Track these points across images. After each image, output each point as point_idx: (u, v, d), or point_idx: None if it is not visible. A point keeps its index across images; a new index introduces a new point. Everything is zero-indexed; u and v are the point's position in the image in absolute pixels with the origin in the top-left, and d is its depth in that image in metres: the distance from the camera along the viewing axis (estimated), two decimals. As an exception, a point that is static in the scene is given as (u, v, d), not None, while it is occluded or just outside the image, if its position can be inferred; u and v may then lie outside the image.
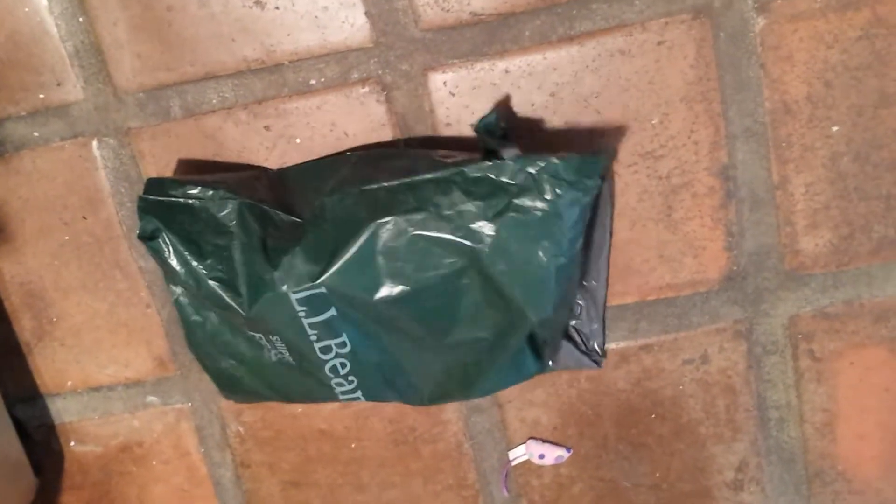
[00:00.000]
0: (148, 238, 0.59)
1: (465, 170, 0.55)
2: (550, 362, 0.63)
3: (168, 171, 0.67)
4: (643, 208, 0.64)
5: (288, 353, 0.61)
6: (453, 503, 0.74)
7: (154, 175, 0.67)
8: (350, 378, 0.62)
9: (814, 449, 0.70)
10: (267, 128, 0.65)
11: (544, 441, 0.71)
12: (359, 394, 0.63)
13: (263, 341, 0.62)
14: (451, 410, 0.71)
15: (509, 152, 0.56)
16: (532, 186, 0.53)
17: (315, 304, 0.58)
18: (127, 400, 0.74)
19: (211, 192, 0.59)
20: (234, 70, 0.64)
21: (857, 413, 0.68)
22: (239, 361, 0.64)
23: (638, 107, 0.62)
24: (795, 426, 0.69)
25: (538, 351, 0.61)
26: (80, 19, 0.64)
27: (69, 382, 0.74)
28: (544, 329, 0.59)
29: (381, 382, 0.62)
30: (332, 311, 0.58)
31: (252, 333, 0.62)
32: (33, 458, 0.74)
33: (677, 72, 0.61)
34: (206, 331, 0.63)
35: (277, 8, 0.62)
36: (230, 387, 0.66)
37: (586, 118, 0.62)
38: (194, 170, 0.66)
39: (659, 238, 0.65)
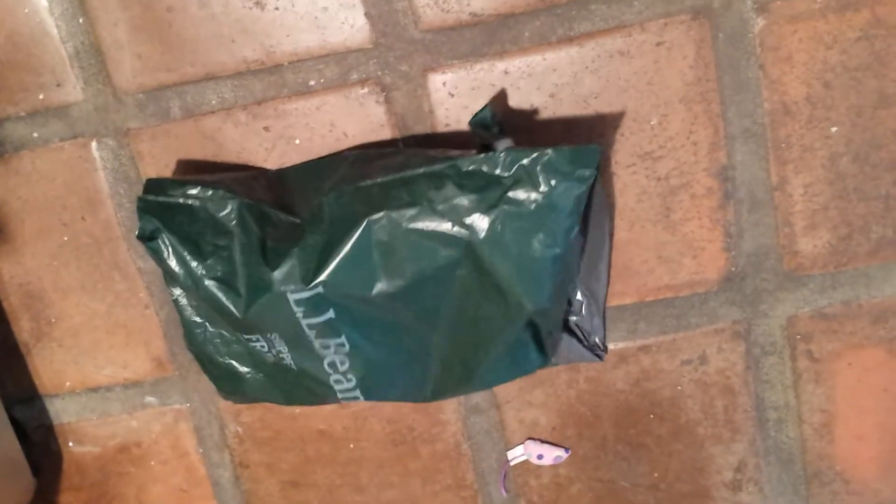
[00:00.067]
0: (147, 238, 0.59)
1: (458, 163, 0.55)
2: (553, 358, 0.63)
3: (167, 172, 0.67)
4: (642, 209, 0.64)
5: (287, 353, 0.61)
6: (452, 503, 0.74)
7: (153, 176, 0.67)
8: (349, 376, 0.62)
9: (812, 449, 0.70)
10: (266, 128, 0.65)
11: (543, 441, 0.71)
12: (357, 392, 0.63)
13: (262, 343, 0.62)
14: (450, 411, 0.71)
15: (503, 145, 0.56)
16: (525, 178, 0.53)
17: (313, 305, 0.58)
18: (125, 400, 0.74)
19: (210, 193, 0.59)
20: (233, 71, 0.64)
21: (855, 414, 0.68)
22: (238, 362, 0.64)
23: (637, 107, 0.62)
24: (794, 427, 0.69)
25: (541, 344, 0.61)
26: (81, 20, 0.64)
27: (67, 383, 0.74)
28: (545, 320, 0.59)
29: (380, 380, 0.62)
30: (331, 313, 0.58)
31: (249, 337, 0.61)
32: (32, 459, 0.74)
33: (676, 73, 0.61)
34: (205, 331, 0.63)
35: (277, 9, 0.62)
36: (229, 387, 0.66)
37: (585, 119, 0.63)
38: (193, 170, 0.66)
39: (657, 239, 0.65)
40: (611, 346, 0.68)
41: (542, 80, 0.62)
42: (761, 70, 0.61)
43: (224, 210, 0.59)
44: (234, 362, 0.64)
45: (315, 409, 0.72)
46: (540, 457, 0.71)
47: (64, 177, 0.68)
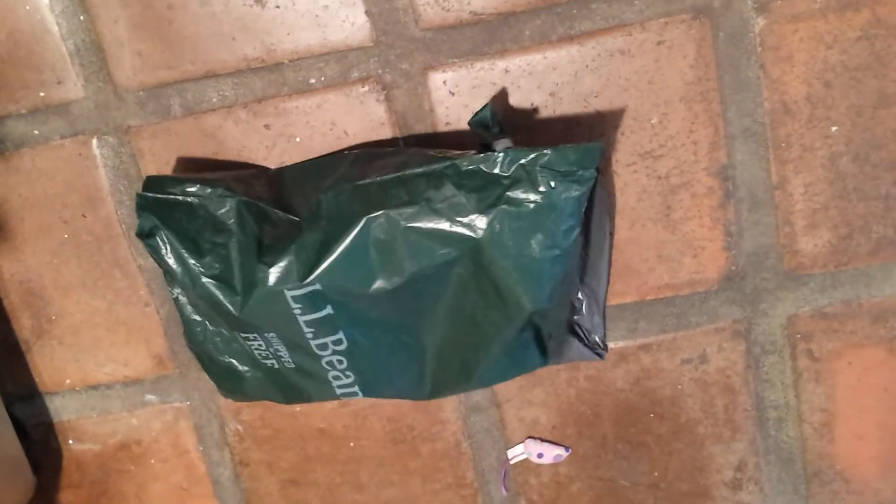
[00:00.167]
0: (146, 236, 0.59)
1: (457, 163, 0.54)
2: (558, 360, 0.63)
3: (168, 170, 0.67)
4: (642, 208, 0.64)
5: (285, 352, 0.61)
6: (452, 502, 0.74)
7: (154, 173, 0.67)
8: (347, 373, 0.62)
9: (812, 449, 0.70)
10: (267, 126, 0.65)
11: (543, 440, 0.71)
12: (356, 388, 0.63)
13: (259, 342, 0.62)
14: (450, 410, 0.71)
15: (502, 144, 0.56)
16: (524, 178, 0.53)
17: (310, 302, 0.58)
18: (125, 398, 0.74)
19: (209, 190, 0.59)
20: (234, 69, 0.64)
21: (855, 413, 0.68)
22: (238, 361, 0.64)
23: (637, 106, 0.62)
24: (794, 426, 0.69)
25: (543, 346, 0.61)
26: (81, 17, 0.64)
27: (68, 381, 0.74)
28: (547, 322, 0.59)
29: (379, 377, 0.62)
30: (329, 310, 0.58)
31: (246, 336, 0.61)
32: (32, 457, 0.74)
33: (677, 72, 0.61)
34: (205, 330, 0.64)
35: (278, 7, 0.62)
36: (229, 385, 0.66)
37: (586, 118, 0.63)
38: (194, 168, 0.66)
39: (658, 238, 0.65)
40: (611, 345, 0.68)
41: (542, 78, 0.62)
42: (762, 69, 0.61)
43: (223, 208, 0.59)
44: (234, 361, 0.64)
45: (315, 407, 0.72)
46: (540, 455, 0.71)
47: (64, 174, 0.68)
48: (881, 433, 0.69)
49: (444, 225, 0.55)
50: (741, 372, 0.68)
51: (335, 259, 0.56)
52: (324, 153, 0.65)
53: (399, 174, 0.56)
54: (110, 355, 0.73)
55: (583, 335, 0.64)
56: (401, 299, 0.57)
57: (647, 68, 0.61)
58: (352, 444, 0.73)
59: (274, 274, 0.57)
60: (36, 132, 0.67)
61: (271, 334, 0.60)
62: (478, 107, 0.63)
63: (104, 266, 0.70)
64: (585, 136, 0.63)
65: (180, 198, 0.60)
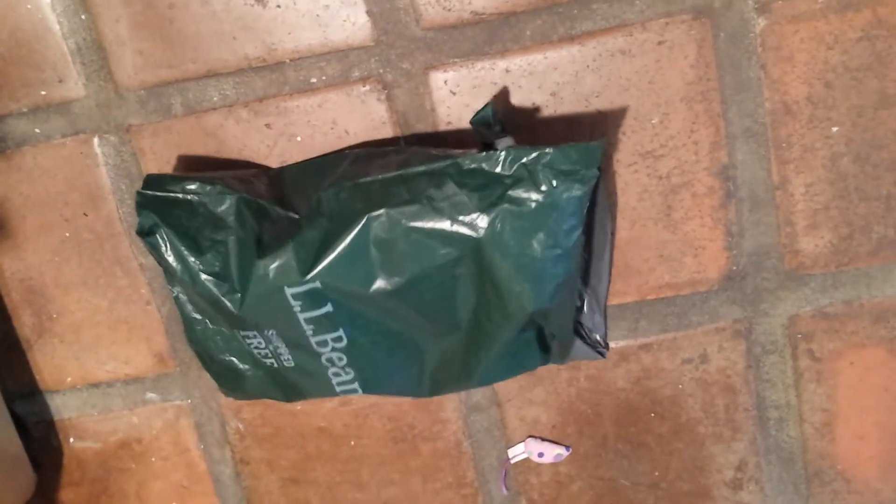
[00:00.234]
0: (146, 234, 0.59)
1: (459, 161, 0.54)
2: (563, 361, 0.63)
3: (168, 169, 0.67)
4: (643, 208, 0.64)
5: (284, 349, 0.61)
6: (452, 501, 0.74)
7: (154, 172, 0.67)
8: (347, 370, 0.62)
9: (813, 449, 0.70)
10: (268, 126, 0.65)
11: (543, 439, 0.71)
12: (356, 385, 0.63)
13: (259, 339, 0.62)
14: (451, 409, 0.71)
15: (504, 143, 0.56)
16: (526, 177, 0.53)
17: (310, 299, 0.58)
18: (126, 396, 0.74)
19: (209, 188, 0.59)
20: (235, 68, 0.64)
21: (856, 413, 0.68)
22: (238, 359, 0.65)
23: (638, 106, 0.62)
24: (795, 426, 0.69)
25: (544, 345, 0.61)
26: (83, 16, 0.64)
27: (69, 379, 0.74)
28: (549, 322, 0.59)
29: (378, 375, 0.62)
30: (329, 307, 0.58)
31: (245, 334, 0.62)
32: (32, 455, 0.74)
33: (677, 72, 0.61)
34: (205, 328, 0.64)
35: (279, 6, 0.62)
36: (230, 384, 0.66)
37: (587, 118, 0.63)
38: (195, 167, 0.67)
39: (658, 237, 0.65)
40: (612, 345, 0.68)
41: (543, 78, 0.62)
42: (762, 70, 0.61)
43: (222, 205, 0.59)
44: (234, 359, 0.65)
45: (316, 406, 0.72)
46: (540, 455, 0.71)
47: (66, 173, 0.68)
48: (882, 433, 0.69)
49: (446, 224, 0.55)
50: (742, 372, 0.68)
51: (335, 257, 0.56)
52: (324, 153, 0.65)
53: (400, 172, 0.56)
54: (111, 353, 0.73)
55: (584, 334, 0.64)
56: (401, 299, 0.57)
57: (647, 68, 0.61)
58: (352, 442, 0.73)
59: (273, 271, 0.57)
60: (37, 131, 0.67)
61: (271, 331, 0.60)
62: (479, 106, 0.63)
63: (105, 264, 0.70)
64: (586, 137, 0.63)
65: (180, 195, 0.60)
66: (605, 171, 0.63)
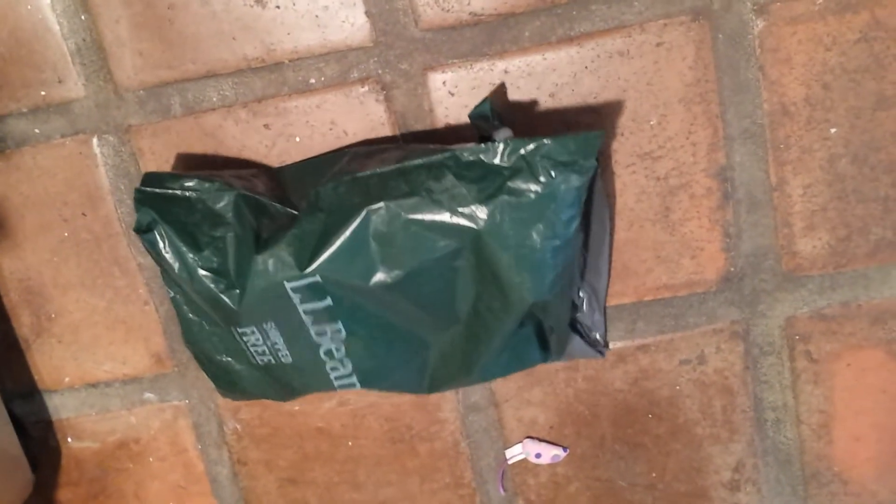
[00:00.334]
0: (144, 230, 0.59)
1: (458, 154, 0.54)
2: (560, 357, 0.63)
3: (167, 168, 0.67)
4: (641, 209, 0.64)
5: (282, 344, 0.61)
6: (450, 502, 0.74)
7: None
8: (345, 362, 0.62)
9: (810, 450, 0.70)
10: (266, 126, 0.65)
11: (541, 440, 0.71)
12: (354, 379, 0.63)
13: (256, 335, 0.61)
14: (448, 409, 0.71)
15: (502, 135, 0.56)
16: (525, 168, 0.53)
17: (310, 293, 0.58)
18: (124, 397, 0.74)
19: (207, 185, 0.59)
20: (234, 68, 0.64)
21: (853, 415, 0.68)
22: (235, 359, 0.65)
23: (636, 108, 0.62)
24: (792, 427, 0.69)
25: (544, 341, 0.61)
26: (82, 17, 0.64)
27: (67, 378, 0.74)
28: (547, 315, 0.59)
29: (377, 369, 0.62)
30: (328, 301, 0.58)
31: (243, 331, 0.61)
32: (30, 454, 0.74)
33: (676, 73, 0.61)
34: (202, 328, 0.64)
35: (278, 7, 0.62)
36: (227, 384, 0.66)
37: (585, 119, 0.63)
38: (194, 167, 0.67)
39: (656, 239, 0.65)
40: (609, 346, 0.68)
41: (541, 79, 0.62)
42: (760, 71, 0.61)
43: (221, 202, 0.59)
44: (231, 360, 0.65)
45: (314, 406, 0.72)
46: (538, 455, 0.71)
47: (65, 173, 0.68)
48: (879, 435, 0.69)
49: (445, 216, 0.55)
50: (739, 373, 0.68)
51: (335, 251, 0.56)
52: (323, 152, 0.65)
53: (399, 166, 0.56)
54: (109, 353, 0.73)
55: (583, 332, 0.64)
56: (401, 292, 0.57)
57: (646, 70, 0.61)
58: (350, 443, 0.73)
59: (272, 266, 0.57)
60: (37, 131, 0.67)
61: (269, 324, 0.60)
62: (477, 107, 0.63)
63: (104, 264, 0.70)
64: (584, 137, 0.63)
65: (178, 192, 0.60)
66: (603, 171, 0.63)
